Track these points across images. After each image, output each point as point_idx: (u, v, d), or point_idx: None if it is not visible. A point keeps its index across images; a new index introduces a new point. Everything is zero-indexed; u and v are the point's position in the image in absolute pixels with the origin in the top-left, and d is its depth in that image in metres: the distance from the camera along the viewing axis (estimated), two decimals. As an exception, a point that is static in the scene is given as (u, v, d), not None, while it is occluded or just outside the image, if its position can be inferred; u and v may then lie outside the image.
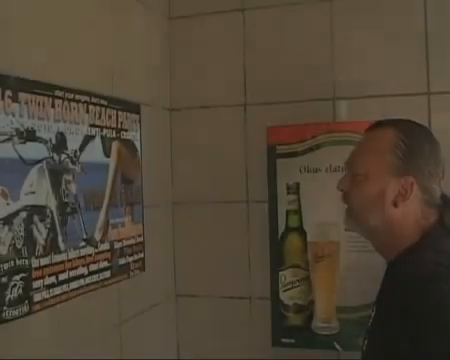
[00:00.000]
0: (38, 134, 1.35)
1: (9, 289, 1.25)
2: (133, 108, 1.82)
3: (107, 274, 1.64)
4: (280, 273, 1.94)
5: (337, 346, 1.87)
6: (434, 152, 1.20)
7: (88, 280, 1.54)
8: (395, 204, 1.17)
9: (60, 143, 1.43)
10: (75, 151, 1.50)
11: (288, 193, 1.92)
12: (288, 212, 1.92)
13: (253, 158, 2.01)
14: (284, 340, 1.94)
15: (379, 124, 1.25)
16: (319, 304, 1.91)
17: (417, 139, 1.19)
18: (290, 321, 1.94)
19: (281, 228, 1.93)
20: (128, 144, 1.79)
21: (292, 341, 1.93)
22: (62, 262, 1.43)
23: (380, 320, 1.16)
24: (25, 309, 1.30)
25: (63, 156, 1.45)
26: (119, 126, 1.73)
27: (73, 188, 1.49)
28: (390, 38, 1.85)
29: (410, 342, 1.02)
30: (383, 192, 1.17)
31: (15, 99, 1.28)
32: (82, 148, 1.53)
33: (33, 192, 1.33)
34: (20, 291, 1.28)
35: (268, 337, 1.97)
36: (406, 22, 1.84)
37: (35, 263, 1.33)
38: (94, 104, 1.59)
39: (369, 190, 1.19)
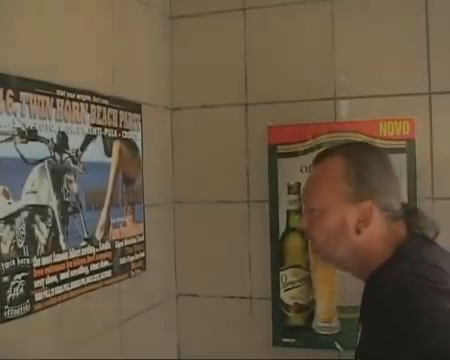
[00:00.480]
0: (40, 134, 1.35)
1: (10, 288, 1.25)
2: (134, 107, 1.82)
3: (108, 274, 1.64)
4: (281, 273, 1.94)
5: (338, 346, 1.87)
6: (385, 168, 1.18)
7: (89, 279, 1.54)
8: (358, 231, 1.14)
9: (61, 143, 1.43)
10: (76, 150, 1.50)
11: (289, 193, 1.92)
12: (289, 212, 1.92)
13: (254, 158, 2.01)
14: (285, 340, 1.94)
15: (325, 154, 1.23)
16: (320, 304, 1.90)
17: (366, 161, 1.17)
18: (291, 321, 1.94)
19: (282, 228, 1.93)
20: (129, 143, 1.79)
21: (293, 341, 1.93)
22: (63, 261, 1.43)
23: (367, 340, 1.11)
24: (26, 308, 1.30)
25: (64, 156, 1.45)
26: (120, 126, 1.73)
27: (74, 187, 1.49)
28: (391, 38, 1.85)
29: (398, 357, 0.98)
30: (343, 222, 1.15)
31: (17, 99, 1.28)
32: (83, 148, 1.53)
33: (34, 191, 1.33)
34: (21, 290, 1.28)
35: (269, 337, 1.97)
36: (407, 22, 1.84)
37: (36, 262, 1.33)
38: (95, 104, 1.59)
39: (329, 224, 1.16)
